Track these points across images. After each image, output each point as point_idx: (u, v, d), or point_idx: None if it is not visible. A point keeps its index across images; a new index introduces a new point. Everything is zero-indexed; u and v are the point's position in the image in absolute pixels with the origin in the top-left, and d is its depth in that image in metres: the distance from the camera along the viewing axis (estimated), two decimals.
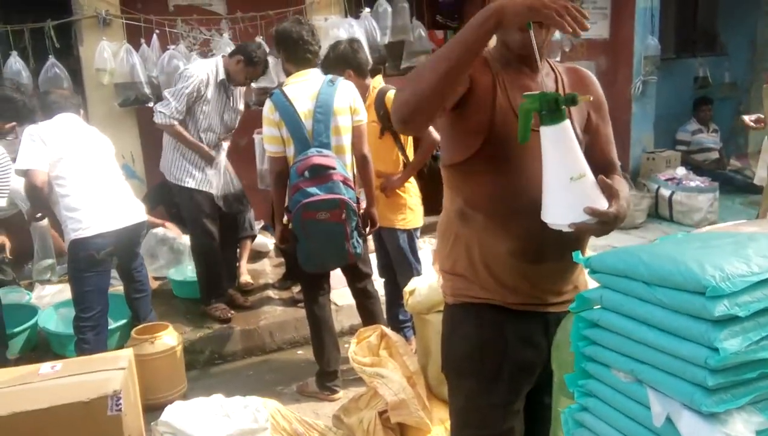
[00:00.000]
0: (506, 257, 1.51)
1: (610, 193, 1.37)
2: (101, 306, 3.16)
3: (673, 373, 1.15)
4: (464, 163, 1.51)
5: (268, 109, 2.99)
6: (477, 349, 1.56)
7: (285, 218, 3.02)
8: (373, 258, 3.53)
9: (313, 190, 2.85)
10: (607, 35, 6.51)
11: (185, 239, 4.40)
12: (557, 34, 6.24)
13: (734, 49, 7.42)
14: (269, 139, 3.01)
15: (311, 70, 3.08)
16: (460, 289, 1.58)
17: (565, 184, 1.35)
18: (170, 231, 4.51)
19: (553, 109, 1.32)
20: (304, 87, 3.00)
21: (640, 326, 1.21)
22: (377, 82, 3.36)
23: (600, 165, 1.55)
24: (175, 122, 3.72)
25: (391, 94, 3.22)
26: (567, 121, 1.34)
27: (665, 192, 5.87)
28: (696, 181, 5.84)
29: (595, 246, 4.41)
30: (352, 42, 3.36)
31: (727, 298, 1.08)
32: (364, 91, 3.29)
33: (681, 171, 6.06)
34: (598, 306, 1.32)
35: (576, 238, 1.48)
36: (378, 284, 3.80)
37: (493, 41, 1.50)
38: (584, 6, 6.46)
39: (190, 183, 3.84)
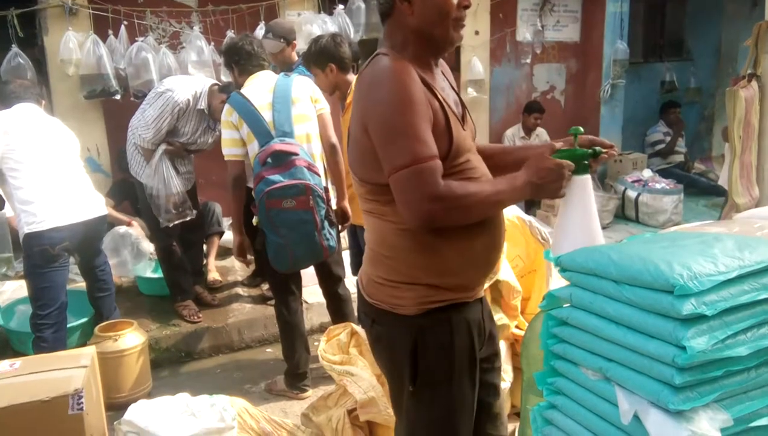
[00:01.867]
0: (480, 251, 1.51)
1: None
2: (59, 303, 3.06)
3: (641, 371, 1.16)
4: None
5: (225, 112, 2.98)
6: (453, 353, 1.52)
7: (254, 220, 2.97)
8: (345, 256, 3.50)
9: (275, 177, 2.80)
10: (577, 38, 6.60)
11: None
12: (527, 36, 6.32)
13: (700, 55, 7.60)
14: (227, 143, 2.98)
15: (263, 71, 3.10)
16: (425, 296, 1.51)
17: (585, 226, 1.53)
18: (134, 229, 4.40)
19: (582, 162, 1.53)
20: (259, 83, 3.00)
21: (609, 324, 1.22)
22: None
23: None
24: (154, 148, 3.65)
25: None
26: (589, 175, 1.56)
27: (631, 194, 5.97)
28: (662, 184, 5.96)
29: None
30: (335, 36, 3.30)
31: (695, 297, 1.09)
32: (346, 86, 3.25)
33: (647, 173, 6.17)
34: (568, 304, 1.33)
35: None
36: (351, 281, 3.79)
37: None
38: (555, 9, 6.55)
39: (144, 177, 3.74)
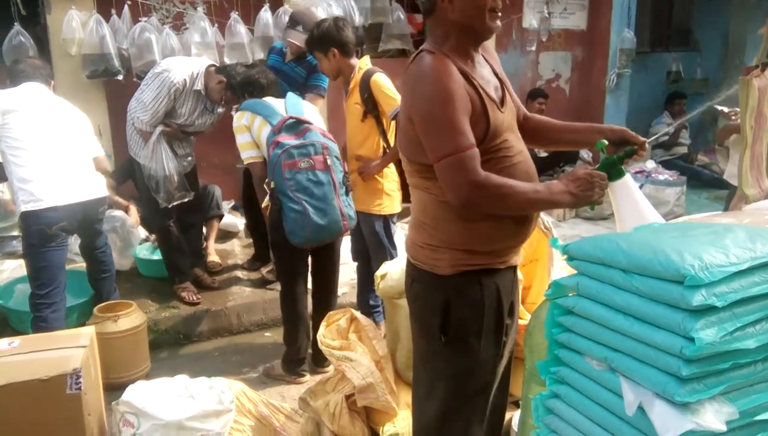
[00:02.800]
0: (511, 225, 1.65)
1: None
2: (57, 283, 3.04)
3: (647, 362, 1.15)
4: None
5: (236, 118, 3.06)
6: (483, 310, 1.67)
7: (265, 201, 2.99)
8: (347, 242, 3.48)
9: (290, 140, 2.86)
10: (584, 26, 6.54)
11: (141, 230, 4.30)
12: (533, 23, 6.26)
13: (707, 45, 7.53)
14: (243, 147, 3.05)
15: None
16: (460, 260, 1.66)
17: (641, 222, 1.58)
18: (130, 217, 4.37)
19: (615, 168, 1.65)
20: (269, 99, 3.16)
21: (616, 314, 1.21)
22: (364, 63, 3.25)
23: (523, 115, 1.85)
24: (152, 129, 3.62)
25: (377, 77, 3.14)
26: (627, 176, 1.67)
27: None
28: (665, 175, 5.93)
29: (565, 236, 4.46)
30: (337, 20, 3.26)
31: (705, 288, 1.07)
32: (350, 70, 3.23)
33: (650, 164, 6.14)
34: (574, 293, 1.31)
35: None
36: (351, 266, 3.78)
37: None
38: None
39: (142, 157, 3.72)
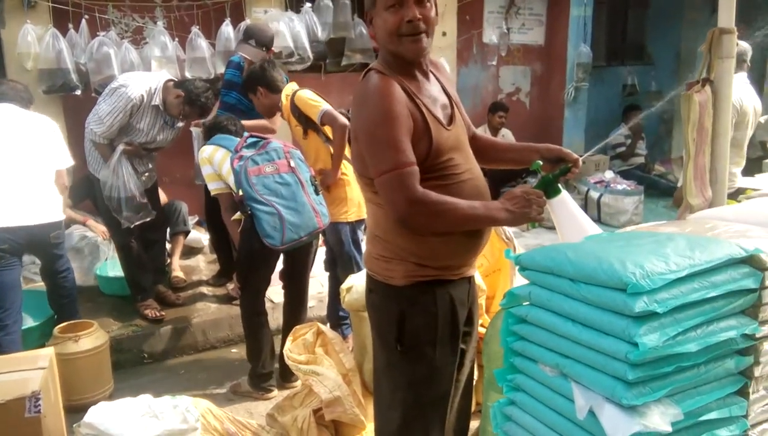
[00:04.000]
0: (462, 240, 1.69)
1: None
2: (9, 304, 2.96)
3: (596, 367, 1.19)
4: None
5: (200, 152, 3.24)
6: (437, 319, 1.71)
7: (237, 215, 3.09)
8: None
9: (251, 151, 2.99)
10: (542, 41, 6.71)
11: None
12: (493, 38, 6.40)
13: (660, 59, 7.80)
14: (207, 178, 3.21)
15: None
16: (413, 271, 1.70)
17: (580, 235, 1.62)
18: (91, 229, 4.30)
19: (552, 185, 1.70)
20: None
21: (566, 322, 1.25)
22: (290, 90, 3.38)
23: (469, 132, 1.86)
24: (106, 142, 3.59)
25: (299, 94, 3.28)
26: (563, 193, 1.72)
27: (594, 194, 6.11)
28: (623, 185, 6.10)
29: (528, 245, 4.54)
30: (264, 62, 3.45)
31: (647, 295, 1.13)
32: (276, 105, 3.41)
33: (609, 174, 6.31)
34: (527, 302, 1.36)
35: None
36: (323, 278, 3.79)
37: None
38: (521, 12, 6.63)
39: (102, 174, 3.66)
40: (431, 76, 1.74)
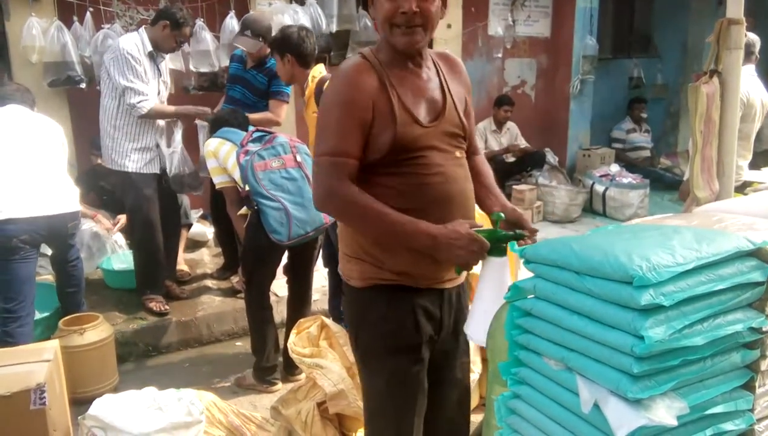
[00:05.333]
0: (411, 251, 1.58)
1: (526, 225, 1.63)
2: (23, 296, 3.00)
3: (601, 360, 1.18)
4: (373, 165, 1.57)
5: (206, 144, 3.24)
6: (395, 328, 1.62)
7: (243, 209, 3.10)
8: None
9: (257, 145, 2.98)
10: (548, 34, 6.67)
11: (116, 236, 4.25)
12: (498, 30, 6.36)
13: (666, 51, 7.75)
14: (212, 172, 3.21)
15: None
16: (370, 273, 1.62)
17: (493, 307, 1.51)
18: (101, 224, 4.32)
19: (500, 244, 1.53)
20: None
21: (571, 315, 1.24)
22: (317, 72, 3.30)
23: (471, 139, 1.74)
24: (153, 104, 3.62)
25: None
26: (506, 258, 1.54)
27: (599, 188, 6.09)
28: (628, 178, 6.08)
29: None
30: (302, 29, 3.30)
31: (653, 287, 1.12)
32: (303, 79, 3.27)
33: (615, 168, 6.29)
34: (532, 295, 1.35)
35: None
36: (323, 273, 3.79)
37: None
38: (526, 4, 6.59)
39: (130, 166, 3.68)
40: (432, 70, 1.67)
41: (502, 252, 1.53)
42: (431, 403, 1.72)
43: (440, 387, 1.75)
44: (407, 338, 1.62)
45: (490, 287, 1.53)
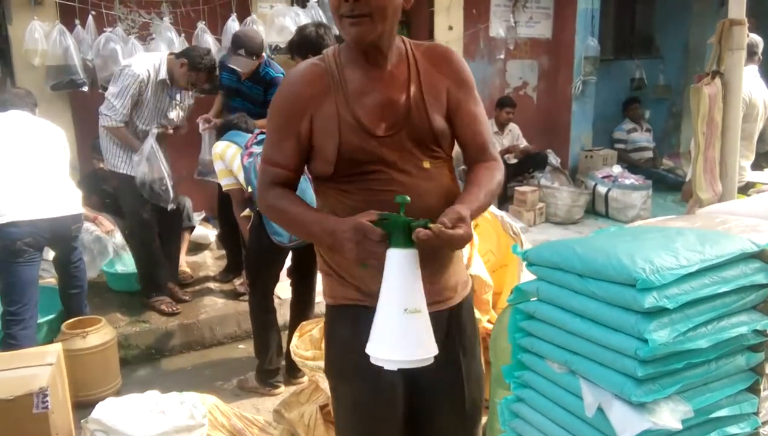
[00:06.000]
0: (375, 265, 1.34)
1: (458, 218, 1.27)
2: (27, 299, 3.01)
3: (605, 364, 1.18)
4: (327, 178, 1.46)
5: (213, 147, 3.26)
6: (355, 351, 1.41)
7: (246, 211, 3.13)
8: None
9: (261, 148, 2.99)
10: (549, 35, 6.66)
11: (117, 237, 4.25)
12: (500, 32, 6.36)
13: (669, 52, 7.73)
14: (219, 174, 3.24)
15: None
16: (336, 290, 1.52)
17: (398, 315, 1.23)
18: (102, 226, 4.33)
19: (402, 233, 1.25)
20: None
21: (574, 318, 1.24)
22: None
23: (470, 149, 1.51)
24: (122, 125, 3.62)
25: None
26: (415, 250, 1.26)
27: (602, 189, 6.07)
28: (631, 179, 6.07)
29: (534, 241, 4.52)
30: (319, 26, 3.27)
31: (657, 290, 1.11)
32: None
33: (617, 169, 6.28)
34: (535, 298, 1.35)
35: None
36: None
37: None
38: (528, 6, 6.58)
39: (123, 168, 3.71)
40: (401, 68, 1.46)
41: (407, 243, 1.24)
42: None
43: (433, 427, 1.58)
44: (367, 367, 1.34)
45: (391, 287, 1.25)
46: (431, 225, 1.23)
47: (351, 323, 1.46)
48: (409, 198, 1.28)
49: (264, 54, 4.04)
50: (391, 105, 1.43)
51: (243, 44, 3.85)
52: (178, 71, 3.63)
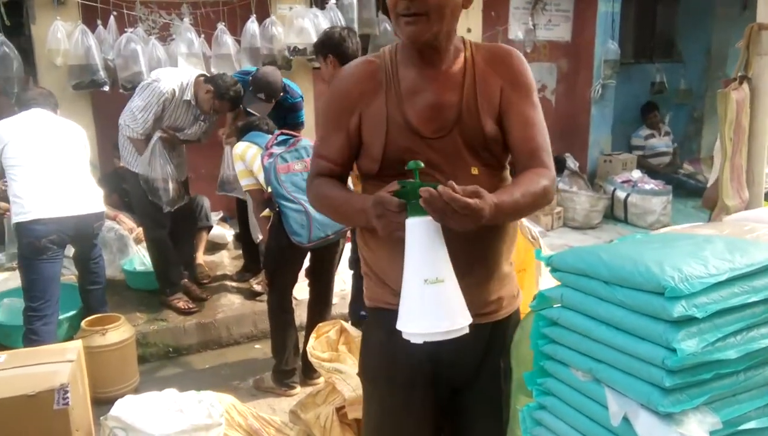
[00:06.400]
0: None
1: (473, 191, 1.19)
2: (49, 295, 3.06)
3: (631, 373, 1.16)
4: (373, 177, 1.44)
5: (234, 148, 3.29)
6: (389, 357, 1.46)
7: (265, 211, 3.14)
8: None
9: (281, 148, 3.00)
10: (569, 38, 6.62)
11: (137, 235, 4.29)
12: (519, 34, 6.32)
13: (690, 56, 7.64)
14: (240, 175, 3.26)
15: None
16: (374, 292, 1.51)
17: (418, 286, 1.19)
18: (123, 224, 4.38)
19: (417, 200, 1.17)
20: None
21: (599, 325, 1.22)
22: None
23: (520, 153, 1.44)
24: (143, 138, 3.69)
25: None
26: (429, 218, 1.19)
27: (621, 194, 6.02)
28: (650, 184, 6.00)
29: (552, 245, 4.49)
30: (344, 29, 3.29)
31: (685, 299, 1.09)
32: None
33: (636, 174, 6.22)
34: (558, 304, 1.33)
35: (488, 249, 1.45)
36: (341, 277, 3.79)
37: None
38: (547, 8, 6.55)
39: (135, 166, 3.77)
40: (457, 68, 1.42)
41: (423, 210, 1.18)
42: None
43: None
44: (399, 376, 1.44)
45: (410, 257, 1.20)
46: (440, 187, 1.15)
47: (385, 327, 1.40)
48: (422, 164, 1.24)
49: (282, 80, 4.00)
50: (443, 106, 1.40)
51: (263, 88, 3.82)
52: (203, 96, 3.67)
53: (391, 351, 1.42)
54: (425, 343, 1.20)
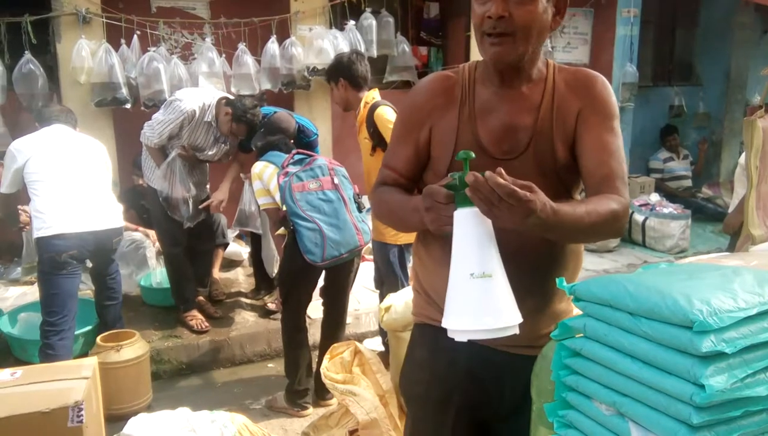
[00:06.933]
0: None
1: (525, 184, 1.11)
2: (67, 310, 3.07)
3: (657, 408, 1.13)
4: None
5: (253, 167, 3.28)
6: (427, 376, 1.45)
7: (281, 229, 3.15)
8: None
9: (297, 168, 3.01)
10: (587, 60, 6.61)
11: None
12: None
13: (709, 80, 7.59)
14: (257, 194, 3.26)
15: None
16: (420, 307, 1.50)
17: (464, 280, 1.14)
18: (150, 237, 4.42)
19: (464, 190, 1.13)
20: None
21: (624, 358, 1.19)
22: (370, 98, 3.31)
23: (592, 179, 1.37)
24: (157, 148, 3.76)
25: (380, 111, 3.20)
26: (475, 209, 1.15)
27: (639, 217, 5.95)
28: (669, 208, 5.93)
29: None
30: (353, 53, 3.38)
31: (714, 333, 1.06)
32: (357, 102, 3.31)
33: (655, 197, 6.15)
34: (581, 335, 1.30)
35: (546, 280, 1.38)
36: (355, 297, 3.77)
37: None
38: (565, 31, 6.55)
39: (155, 183, 3.81)
40: (537, 90, 1.39)
41: (470, 201, 1.13)
42: None
43: None
44: (435, 392, 1.43)
45: (456, 250, 1.16)
46: (487, 172, 1.09)
47: (429, 344, 1.43)
48: (473, 154, 1.19)
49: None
50: (516, 128, 1.37)
51: (275, 133, 3.77)
52: (222, 118, 3.71)
53: (429, 371, 1.43)
54: (470, 347, 1.19)
